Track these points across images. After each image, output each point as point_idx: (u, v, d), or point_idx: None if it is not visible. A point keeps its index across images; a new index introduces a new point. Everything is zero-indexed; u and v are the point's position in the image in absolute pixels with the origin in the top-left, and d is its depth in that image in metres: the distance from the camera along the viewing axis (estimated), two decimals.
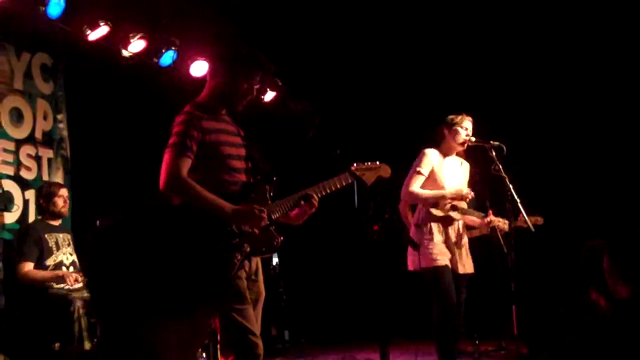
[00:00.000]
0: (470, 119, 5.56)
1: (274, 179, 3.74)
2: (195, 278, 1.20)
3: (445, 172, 5.53)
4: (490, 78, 8.28)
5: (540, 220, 5.88)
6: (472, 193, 5.54)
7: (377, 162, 4.11)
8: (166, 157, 3.53)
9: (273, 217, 3.69)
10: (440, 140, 5.59)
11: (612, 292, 2.86)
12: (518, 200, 5.40)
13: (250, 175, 3.77)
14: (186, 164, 3.52)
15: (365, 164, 4.06)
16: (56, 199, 5.76)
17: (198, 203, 3.49)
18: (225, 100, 3.78)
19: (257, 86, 3.83)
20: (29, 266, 5.43)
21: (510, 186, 5.41)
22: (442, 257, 5.32)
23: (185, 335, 1.26)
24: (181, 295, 1.23)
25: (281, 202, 3.79)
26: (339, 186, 3.91)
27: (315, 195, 3.82)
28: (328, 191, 3.87)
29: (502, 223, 5.63)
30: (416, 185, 5.41)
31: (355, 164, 4.00)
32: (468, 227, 5.85)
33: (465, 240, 5.59)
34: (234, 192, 3.63)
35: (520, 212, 5.43)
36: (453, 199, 5.46)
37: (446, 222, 5.45)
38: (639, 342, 2.55)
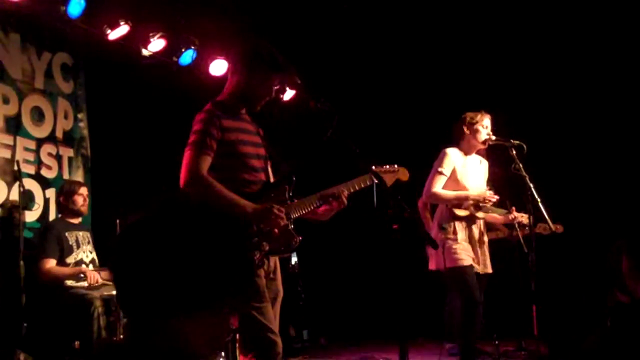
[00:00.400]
0: (489, 116, 5.53)
1: (293, 178, 3.74)
2: (220, 274, 1.20)
3: (466, 171, 5.51)
4: (507, 76, 8.22)
5: (560, 228, 5.86)
6: (496, 196, 5.52)
7: (396, 165, 4.14)
8: (186, 155, 3.54)
9: (292, 217, 3.70)
10: (460, 139, 5.57)
11: (632, 291, 2.84)
12: (539, 200, 5.37)
13: (270, 175, 3.79)
14: (206, 162, 3.53)
15: (385, 166, 4.10)
16: (76, 197, 5.79)
17: (218, 201, 3.49)
18: (244, 99, 3.80)
19: (276, 87, 3.84)
20: (51, 262, 5.47)
21: (531, 185, 5.38)
22: (467, 256, 5.31)
23: (211, 331, 1.26)
24: (207, 291, 1.23)
25: (301, 202, 3.80)
26: (362, 186, 3.93)
27: (345, 191, 3.84)
28: (351, 191, 3.89)
29: (524, 218, 5.60)
30: (438, 186, 5.39)
31: (374, 166, 4.02)
32: (489, 229, 5.82)
33: (486, 240, 5.57)
34: (254, 191, 3.64)
35: (541, 211, 5.39)
36: (476, 200, 5.44)
37: (469, 221, 5.44)
38: None
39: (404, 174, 4.15)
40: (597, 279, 3.71)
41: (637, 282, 2.82)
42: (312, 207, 3.81)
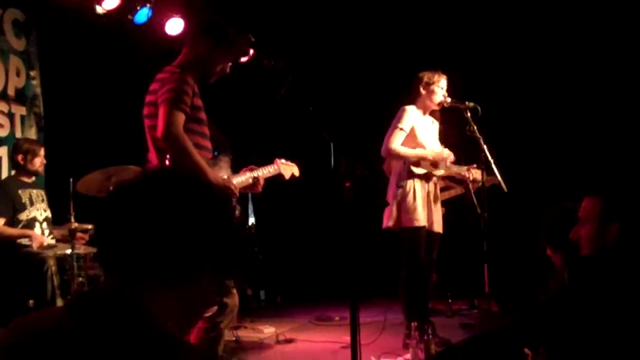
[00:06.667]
0: (445, 77, 5.56)
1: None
2: (206, 242, 1.21)
3: (422, 130, 5.55)
4: (461, 35, 8.21)
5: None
6: (452, 155, 5.58)
7: (292, 163, 4.49)
8: (163, 111, 3.58)
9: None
10: (415, 99, 5.58)
11: (599, 234, 2.93)
12: (492, 161, 5.44)
13: (213, 144, 3.87)
14: (182, 119, 3.59)
15: (285, 161, 4.41)
16: (36, 159, 5.71)
17: (189, 162, 3.53)
18: (202, 71, 3.84)
19: (230, 64, 3.94)
20: None
21: (485, 147, 5.44)
22: (422, 217, 5.37)
23: (187, 300, 1.27)
24: (189, 258, 1.24)
25: (239, 177, 3.99)
26: (271, 172, 4.24)
27: (262, 181, 4.08)
28: (260, 175, 4.10)
29: (477, 173, 5.65)
30: (397, 142, 5.41)
31: (277, 159, 4.35)
32: (444, 188, 5.89)
33: (439, 198, 5.65)
34: (208, 158, 3.71)
35: (494, 172, 5.47)
36: (435, 159, 5.49)
37: (426, 179, 5.48)
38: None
39: (296, 171, 4.51)
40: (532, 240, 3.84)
41: (608, 224, 2.92)
42: (248, 184, 3.96)
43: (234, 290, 3.70)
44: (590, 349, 2.61)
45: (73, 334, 1.30)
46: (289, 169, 4.44)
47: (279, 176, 4.31)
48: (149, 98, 3.78)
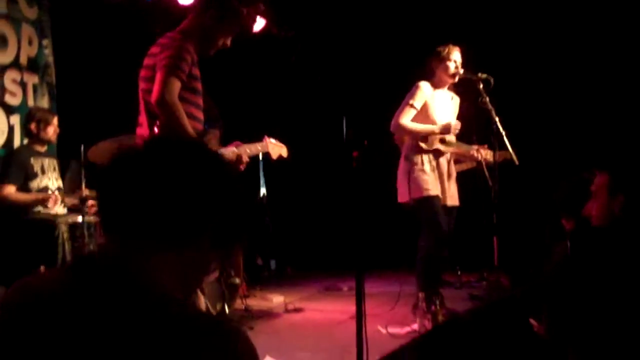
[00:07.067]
0: (458, 49, 5.53)
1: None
2: (213, 205, 1.21)
3: (436, 105, 5.54)
4: (479, 5, 8.14)
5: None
6: (459, 124, 5.56)
7: (282, 144, 4.56)
8: (161, 75, 3.57)
9: None
10: (430, 74, 5.58)
11: (607, 207, 2.94)
12: (503, 133, 5.42)
13: (206, 117, 3.88)
14: (177, 86, 3.59)
15: (275, 141, 4.47)
16: (49, 127, 5.73)
17: (178, 128, 3.53)
18: (202, 42, 3.83)
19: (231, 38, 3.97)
20: (10, 189, 5.40)
21: (497, 119, 5.42)
22: (433, 187, 5.37)
23: (188, 264, 1.28)
24: (189, 219, 1.25)
25: (225, 152, 4.01)
26: (257, 150, 4.29)
27: (245, 158, 4.09)
28: (244, 152, 4.11)
29: (488, 154, 5.65)
30: (406, 118, 5.42)
31: (266, 137, 4.42)
32: (456, 161, 5.88)
33: (453, 172, 5.64)
34: (199, 129, 3.71)
35: (505, 144, 5.45)
36: (442, 133, 5.48)
37: (436, 155, 5.49)
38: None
39: (284, 152, 4.56)
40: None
41: (616, 196, 2.93)
42: (231, 160, 3.98)
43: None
44: (591, 317, 2.62)
45: (73, 296, 1.31)
46: (277, 149, 4.45)
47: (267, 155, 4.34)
48: (147, 61, 3.79)
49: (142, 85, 3.79)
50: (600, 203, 3.03)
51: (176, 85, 3.57)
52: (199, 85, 3.77)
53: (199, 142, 1.50)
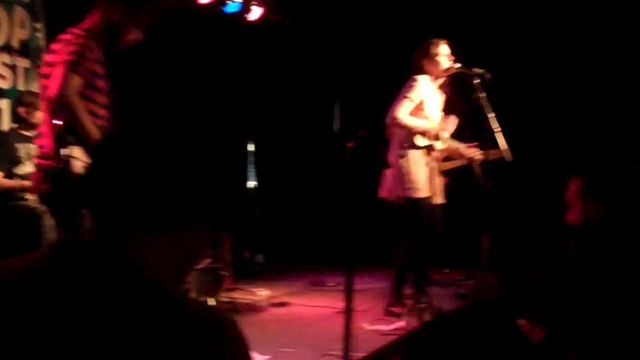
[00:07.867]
0: (444, 42, 5.43)
1: None
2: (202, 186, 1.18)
3: (431, 102, 5.49)
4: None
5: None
6: (456, 120, 5.52)
7: None
8: (61, 71, 3.53)
9: None
10: (418, 71, 5.47)
11: (584, 214, 2.91)
12: (495, 130, 5.39)
13: (110, 115, 3.83)
14: (77, 82, 3.54)
15: None
16: (38, 112, 5.67)
17: (78, 125, 3.49)
18: (108, 39, 3.81)
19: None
20: None
21: (490, 115, 5.38)
22: (424, 188, 5.34)
23: (178, 247, 1.25)
24: (178, 199, 1.22)
25: None
26: None
27: None
28: None
29: (478, 154, 5.62)
30: (403, 112, 5.33)
31: None
32: (448, 158, 5.85)
33: (441, 170, 5.62)
34: (102, 126, 3.67)
35: (497, 143, 5.42)
36: (437, 132, 5.44)
37: (427, 152, 5.45)
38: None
39: None
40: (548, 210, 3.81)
41: (590, 203, 2.89)
42: None
43: None
44: (591, 317, 2.60)
45: (56, 277, 1.27)
46: None
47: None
48: (48, 57, 3.76)
49: (42, 81, 3.75)
50: (578, 208, 2.99)
51: (76, 82, 3.53)
52: (101, 83, 3.73)
53: (186, 119, 1.45)
